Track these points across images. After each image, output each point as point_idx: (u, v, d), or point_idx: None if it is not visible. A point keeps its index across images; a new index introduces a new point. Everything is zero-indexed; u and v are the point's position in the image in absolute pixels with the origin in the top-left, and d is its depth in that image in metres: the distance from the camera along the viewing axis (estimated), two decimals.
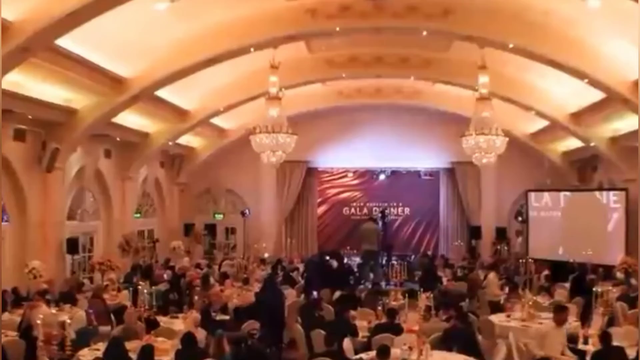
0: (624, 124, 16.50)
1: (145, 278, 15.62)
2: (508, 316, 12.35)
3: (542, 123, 20.13)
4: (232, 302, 12.45)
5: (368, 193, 25.39)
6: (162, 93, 16.50)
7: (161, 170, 21.81)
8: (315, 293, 13.61)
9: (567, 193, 19.92)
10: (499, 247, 21.29)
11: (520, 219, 21.91)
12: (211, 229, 22.77)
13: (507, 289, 14.04)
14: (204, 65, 14.53)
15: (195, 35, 13.82)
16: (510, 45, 13.73)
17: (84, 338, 9.47)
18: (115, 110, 15.06)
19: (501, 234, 22.28)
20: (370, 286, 14.97)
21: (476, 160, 16.01)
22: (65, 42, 11.73)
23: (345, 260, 18.77)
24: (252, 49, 14.29)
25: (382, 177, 24.99)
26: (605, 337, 9.31)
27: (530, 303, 12.42)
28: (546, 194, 20.47)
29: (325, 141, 23.17)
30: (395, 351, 8.73)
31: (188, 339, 8.31)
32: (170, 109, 17.78)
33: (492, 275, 14.28)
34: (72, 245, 15.54)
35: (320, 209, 25.30)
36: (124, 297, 13.04)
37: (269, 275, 14.97)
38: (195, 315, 10.25)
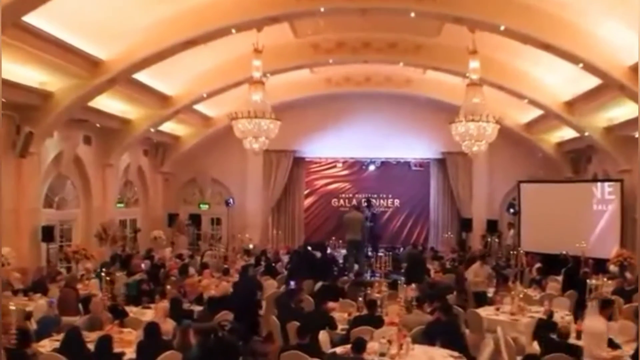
0: (620, 112, 16.03)
1: (123, 268, 15.25)
2: (497, 309, 11.89)
3: (536, 113, 19.65)
4: (209, 292, 11.91)
5: (357, 184, 24.83)
6: (143, 78, 16.06)
7: (144, 159, 21.22)
8: (292, 283, 13.08)
9: (561, 184, 19.37)
10: (489, 239, 20.74)
11: (512, 210, 21.40)
12: (196, 219, 22.17)
13: (495, 282, 13.58)
14: (183, 47, 13.98)
15: (174, 16, 13.32)
16: (502, 28, 13.19)
17: (45, 328, 8.95)
18: (92, 94, 14.50)
19: (492, 226, 21.75)
20: (354, 277, 14.41)
21: (466, 148, 15.47)
22: (40, 22, 11.28)
23: (330, 251, 18.26)
24: (233, 30, 13.72)
25: (371, 167, 24.48)
26: None
27: (521, 296, 11.95)
28: (538, 186, 19.92)
29: (313, 130, 22.61)
30: (373, 345, 8.22)
31: (151, 329, 7.80)
32: (152, 95, 17.22)
33: (476, 266, 13.69)
34: (48, 233, 14.97)
35: (308, 200, 24.74)
36: (94, 286, 12.52)
37: (244, 266, 14.47)
38: (164, 305, 9.73)
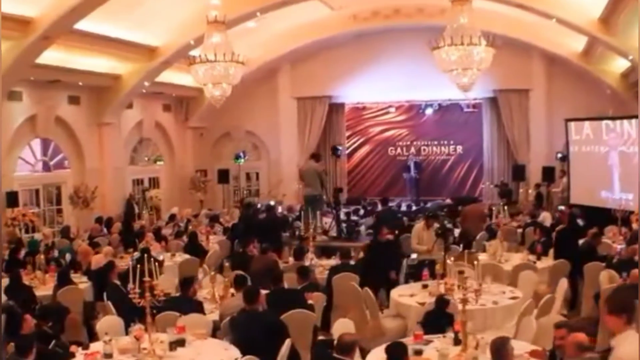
0: None
1: None
2: (424, 287, 9.58)
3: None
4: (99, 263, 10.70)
5: (415, 130, 22.56)
6: (121, 33, 15.31)
7: (166, 114, 20.37)
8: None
9: (609, 122, 15.91)
10: (540, 189, 17.64)
11: (559, 155, 18.18)
12: (224, 175, 20.92)
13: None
14: None
15: None
16: None
17: None
18: (30, 53, 13.54)
19: (548, 174, 18.60)
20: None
21: (454, 78, 12.77)
22: None
23: (281, 210, 16.40)
24: None
25: (429, 111, 22.03)
26: None
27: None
28: (587, 124, 16.52)
29: (347, 73, 20.46)
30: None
31: None
32: (132, 47, 16.18)
33: (419, 228, 11.27)
34: (12, 199, 14.53)
35: (363, 150, 22.91)
36: None
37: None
38: None
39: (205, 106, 21.04)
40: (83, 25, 13.79)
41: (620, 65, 16.94)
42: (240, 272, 9.80)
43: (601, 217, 14.14)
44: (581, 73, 18.30)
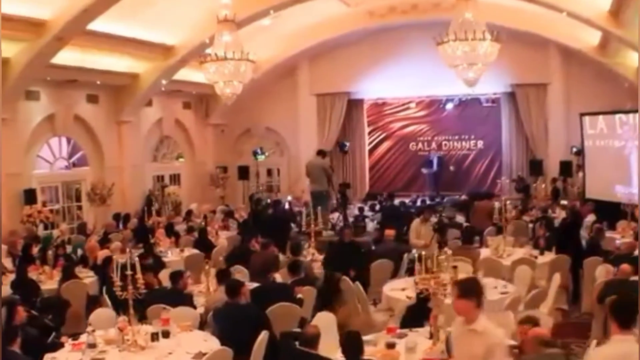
0: None
1: None
2: (417, 284, 9.63)
3: None
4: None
5: (436, 125, 22.51)
6: (136, 32, 15.60)
7: (186, 112, 20.68)
8: None
9: (622, 116, 15.70)
10: (556, 184, 17.50)
11: (574, 150, 17.97)
12: (243, 171, 21.16)
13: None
14: None
15: None
16: None
17: None
18: (45, 54, 13.91)
19: (566, 168, 18.40)
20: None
21: (460, 74, 12.86)
22: None
23: (288, 206, 16.49)
24: None
25: (449, 106, 21.95)
26: None
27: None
28: (601, 118, 16.33)
29: (365, 69, 20.57)
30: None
31: None
32: (148, 47, 16.51)
33: (416, 223, 11.34)
34: (30, 197, 14.96)
35: (384, 145, 22.97)
36: None
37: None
38: None
39: (225, 103, 21.34)
40: (99, 25, 14.10)
41: (636, 58, 16.63)
42: (238, 266, 10.04)
43: (614, 211, 14.06)
44: (598, 66, 18.05)
